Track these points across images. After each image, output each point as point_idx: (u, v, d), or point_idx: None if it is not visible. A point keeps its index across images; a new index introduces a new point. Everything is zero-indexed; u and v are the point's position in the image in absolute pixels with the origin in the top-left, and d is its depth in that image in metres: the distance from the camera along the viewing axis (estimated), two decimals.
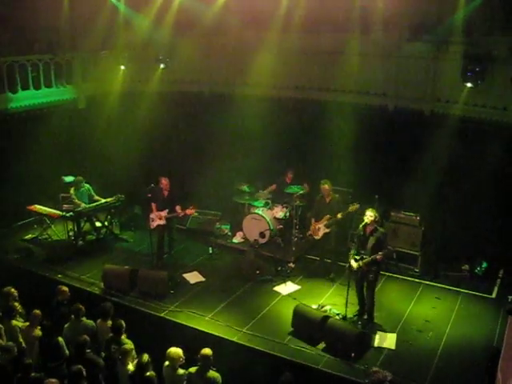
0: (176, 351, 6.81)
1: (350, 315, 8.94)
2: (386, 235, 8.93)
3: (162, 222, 10.87)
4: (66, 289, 8.59)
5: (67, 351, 7.41)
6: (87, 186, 12.21)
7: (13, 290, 8.45)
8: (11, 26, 12.73)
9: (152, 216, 10.91)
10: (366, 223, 8.65)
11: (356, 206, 9.96)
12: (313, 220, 10.70)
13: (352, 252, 8.81)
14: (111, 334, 7.55)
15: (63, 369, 7.16)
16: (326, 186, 10.46)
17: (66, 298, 8.47)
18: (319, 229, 10.51)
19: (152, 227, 10.91)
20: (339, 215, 10.17)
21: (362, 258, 8.60)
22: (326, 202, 10.52)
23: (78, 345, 7.08)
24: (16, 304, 8.19)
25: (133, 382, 6.73)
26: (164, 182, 10.89)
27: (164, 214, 10.83)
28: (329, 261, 10.75)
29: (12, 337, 7.65)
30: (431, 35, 10.72)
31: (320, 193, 10.64)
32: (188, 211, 10.83)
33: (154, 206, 10.98)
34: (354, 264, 8.64)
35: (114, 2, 13.11)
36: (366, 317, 8.98)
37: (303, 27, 12.08)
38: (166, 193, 10.93)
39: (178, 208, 10.85)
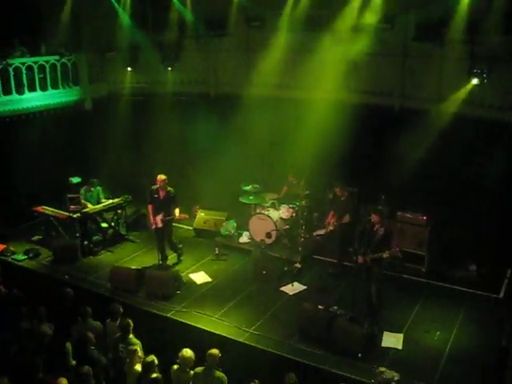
0: (190, 353, 6.72)
1: (356, 315, 8.90)
2: (392, 233, 8.91)
3: (160, 225, 10.63)
4: (68, 290, 8.60)
5: (73, 362, 7.34)
6: (99, 188, 12.24)
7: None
8: (19, 28, 12.80)
9: (151, 218, 10.76)
10: (373, 222, 8.65)
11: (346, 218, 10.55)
12: (331, 213, 11.02)
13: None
14: (119, 334, 7.55)
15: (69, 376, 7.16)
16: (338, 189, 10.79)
17: (70, 299, 8.49)
18: (329, 223, 10.98)
19: (153, 229, 10.86)
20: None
21: (366, 256, 8.59)
22: (341, 201, 10.81)
23: (80, 341, 7.11)
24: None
25: (140, 383, 6.73)
26: (159, 178, 10.42)
27: (159, 217, 10.54)
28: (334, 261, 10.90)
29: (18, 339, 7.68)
30: (437, 34, 10.68)
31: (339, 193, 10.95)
32: (182, 216, 10.52)
33: (149, 208, 10.72)
34: (360, 259, 8.64)
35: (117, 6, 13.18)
36: (372, 317, 8.95)
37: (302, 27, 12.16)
38: (162, 193, 10.51)
39: (176, 211, 10.57)
